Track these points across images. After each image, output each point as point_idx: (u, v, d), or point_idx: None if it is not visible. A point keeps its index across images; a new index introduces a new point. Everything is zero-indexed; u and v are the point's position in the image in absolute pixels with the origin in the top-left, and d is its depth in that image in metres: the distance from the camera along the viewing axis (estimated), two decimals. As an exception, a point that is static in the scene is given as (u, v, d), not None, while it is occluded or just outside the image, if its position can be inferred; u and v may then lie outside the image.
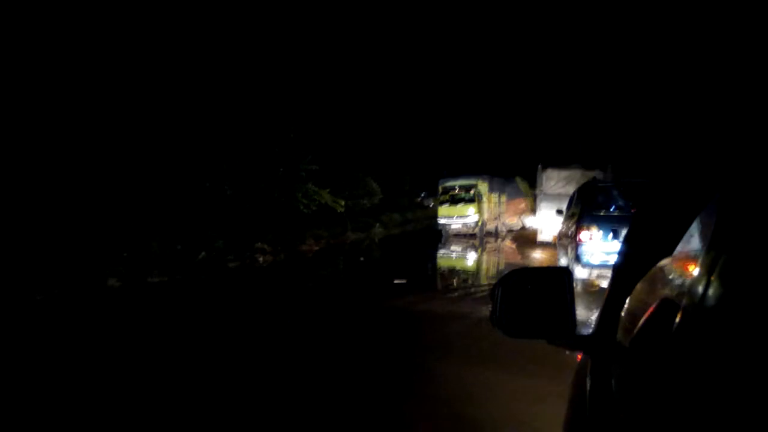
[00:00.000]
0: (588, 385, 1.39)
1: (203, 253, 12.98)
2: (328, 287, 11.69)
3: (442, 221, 23.32)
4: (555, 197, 16.82)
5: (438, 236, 22.79)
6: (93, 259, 10.29)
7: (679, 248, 1.24)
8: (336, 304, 9.53)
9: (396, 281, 11.41)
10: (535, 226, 20.28)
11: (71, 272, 9.71)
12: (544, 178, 19.38)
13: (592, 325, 1.58)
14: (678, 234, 1.23)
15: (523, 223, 24.79)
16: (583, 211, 9.90)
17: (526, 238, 21.03)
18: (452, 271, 14.91)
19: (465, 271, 15.04)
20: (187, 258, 12.47)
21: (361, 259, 15.85)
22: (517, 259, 16.62)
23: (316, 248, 17.82)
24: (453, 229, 23.03)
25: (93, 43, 12.68)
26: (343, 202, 21.59)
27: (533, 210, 22.01)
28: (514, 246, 20.22)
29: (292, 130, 20.54)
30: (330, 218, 22.00)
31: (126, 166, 13.06)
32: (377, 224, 24.64)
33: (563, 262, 10.93)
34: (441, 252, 19.35)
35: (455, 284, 12.24)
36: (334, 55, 23.77)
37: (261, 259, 14.64)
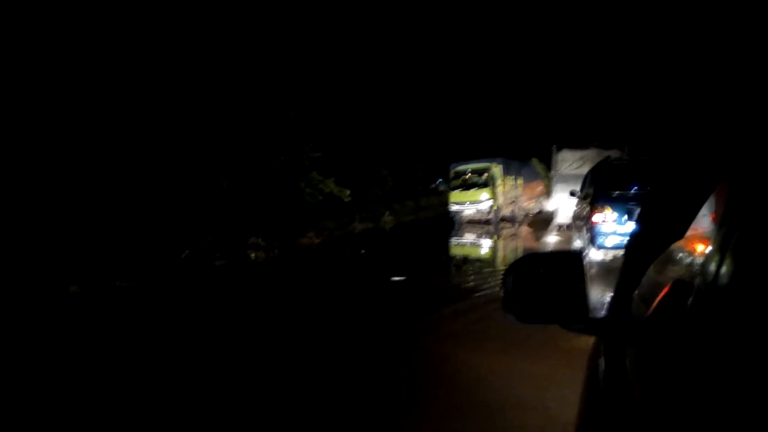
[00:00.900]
0: (602, 367, 1.41)
1: (187, 252, 12.19)
2: (308, 288, 10.35)
3: (454, 208, 22.30)
4: (570, 179, 16.20)
5: (451, 223, 21.84)
6: (53, 264, 9.47)
7: (691, 228, 1.26)
8: (307, 309, 8.34)
9: (394, 278, 10.40)
10: (552, 209, 19.72)
11: (25, 279, 8.90)
12: (559, 159, 19.21)
13: (605, 308, 1.52)
14: (690, 215, 1.26)
15: (540, 207, 23.77)
16: (596, 191, 9.48)
17: (544, 223, 20.17)
18: (462, 263, 13.80)
19: (476, 263, 13.84)
20: (168, 257, 11.67)
21: (363, 251, 14.91)
22: (534, 246, 15.68)
23: (317, 241, 16.91)
24: (466, 215, 22.03)
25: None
26: (348, 191, 20.77)
27: (551, 192, 21.20)
28: (531, 231, 19.27)
29: (293, 117, 19.72)
30: (338, 208, 21.21)
31: (101, 156, 12.19)
32: (387, 212, 23.74)
33: (578, 244, 10.57)
34: (451, 241, 18.40)
35: (463, 279, 11.05)
36: (339, 35, 22.88)
37: (253, 255, 13.77)
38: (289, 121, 19.72)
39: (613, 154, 14.84)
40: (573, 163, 18.01)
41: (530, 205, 23.53)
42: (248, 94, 17.61)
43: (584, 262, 1.56)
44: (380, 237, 19.36)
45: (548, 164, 22.30)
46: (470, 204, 21.80)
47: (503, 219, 21.95)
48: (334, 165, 21.84)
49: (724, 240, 0.87)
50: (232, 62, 16.73)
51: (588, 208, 9.62)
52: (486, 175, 21.75)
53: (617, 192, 9.20)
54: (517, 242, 17.74)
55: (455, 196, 22.30)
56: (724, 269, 0.81)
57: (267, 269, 12.79)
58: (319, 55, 21.64)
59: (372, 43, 26.08)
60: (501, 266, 12.03)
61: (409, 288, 9.73)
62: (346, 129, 24.70)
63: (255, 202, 16.64)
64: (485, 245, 17.49)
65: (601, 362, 1.45)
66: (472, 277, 10.81)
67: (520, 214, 22.72)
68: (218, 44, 15.90)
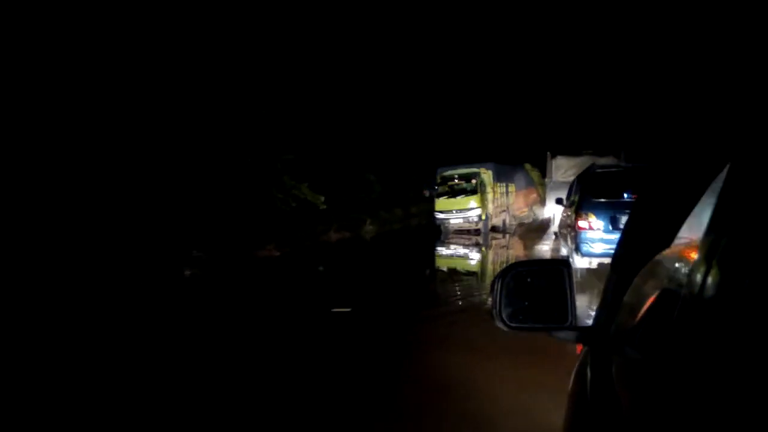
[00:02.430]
0: (589, 376, 1.40)
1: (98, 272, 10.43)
2: (225, 318, 8.36)
3: (440, 216, 20.48)
4: (565, 186, 14.73)
5: (438, 233, 20.07)
6: None
7: (678, 236, 1.30)
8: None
9: (336, 309, 8.41)
10: (547, 218, 18.43)
11: None
12: (553, 166, 18.58)
13: (593, 317, 1.50)
14: (677, 223, 1.28)
15: (534, 215, 22.02)
16: (582, 198, 9.29)
17: (537, 233, 18.61)
18: (440, 284, 11.73)
19: (455, 285, 11.34)
20: (80, 279, 9.92)
21: (321, 268, 13.11)
22: (526, 258, 13.86)
23: (277, 254, 15.12)
24: (453, 224, 20.24)
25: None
26: (323, 198, 19.15)
27: (545, 201, 19.76)
28: (523, 242, 17.58)
29: (264, 114, 18.09)
30: (315, 216, 19.55)
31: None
32: (369, 221, 22.00)
33: (564, 252, 10.58)
34: (433, 253, 16.62)
35: (434, 309, 8.66)
36: (322, 28, 21.34)
37: (188, 272, 11.99)
38: (259, 120, 18.11)
39: (609, 160, 13.71)
40: (568, 170, 17.29)
41: (523, 214, 21.82)
42: (211, 87, 15.98)
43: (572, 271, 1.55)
44: (355, 249, 17.57)
45: (542, 170, 20.74)
46: (457, 212, 20.02)
47: (493, 229, 20.21)
48: (314, 169, 20.22)
49: (711, 248, 0.84)
50: (189, 46, 15.07)
51: (573, 215, 9.42)
52: (475, 181, 20.00)
53: (603, 199, 9.00)
54: (508, 254, 16.06)
55: (441, 203, 20.51)
56: (710, 279, 0.79)
57: (192, 291, 10.78)
58: (299, 49, 20.06)
59: (360, 40, 24.55)
60: (488, 284, 10.15)
61: (353, 322, 7.89)
62: (330, 130, 23.11)
63: (209, 209, 14.93)
64: (472, 258, 15.73)
65: (588, 371, 1.41)
66: (450, 298, 9.72)
67: (511, 224, 20.96)
68: (175, 26, 14.26)
